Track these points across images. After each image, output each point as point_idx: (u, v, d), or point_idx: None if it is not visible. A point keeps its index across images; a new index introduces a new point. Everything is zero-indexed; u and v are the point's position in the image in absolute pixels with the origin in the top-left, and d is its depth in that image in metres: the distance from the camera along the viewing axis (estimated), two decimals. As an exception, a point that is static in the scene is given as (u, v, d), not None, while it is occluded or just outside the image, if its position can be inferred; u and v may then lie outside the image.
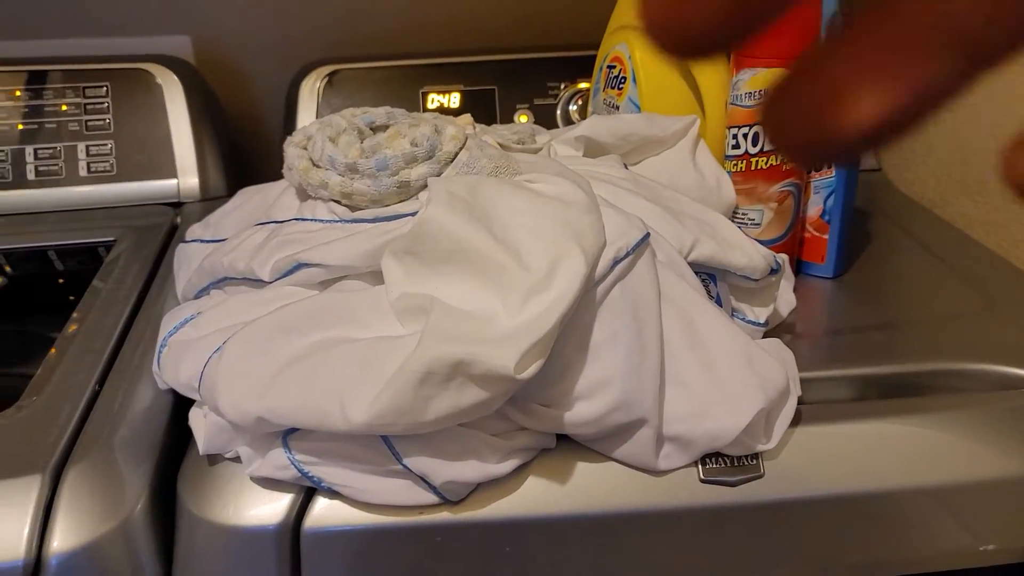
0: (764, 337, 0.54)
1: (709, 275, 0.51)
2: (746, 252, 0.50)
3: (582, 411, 0.42)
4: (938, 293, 0.61)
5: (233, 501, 0.43)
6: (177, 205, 0.79)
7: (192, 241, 0.60)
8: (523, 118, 0.84)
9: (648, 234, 0.46)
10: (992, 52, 0.12)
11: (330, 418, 0.39)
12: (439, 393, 0.38)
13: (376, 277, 0.46)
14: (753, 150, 0.59)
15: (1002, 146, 0.14)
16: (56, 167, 0.78)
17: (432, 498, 0.42)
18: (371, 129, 0.54)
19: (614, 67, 0.69)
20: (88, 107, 0.79)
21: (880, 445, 0.46)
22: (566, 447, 0.45)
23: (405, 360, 0.37)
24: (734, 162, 0.61)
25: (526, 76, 0.85)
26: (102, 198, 0.78)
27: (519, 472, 0.44)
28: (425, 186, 0.49)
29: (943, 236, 0.70)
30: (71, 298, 0.62)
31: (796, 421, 0.46)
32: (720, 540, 0.45)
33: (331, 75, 0.84)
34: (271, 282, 0.48)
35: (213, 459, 0.45)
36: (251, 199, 0.60)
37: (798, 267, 0.65)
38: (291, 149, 0.54)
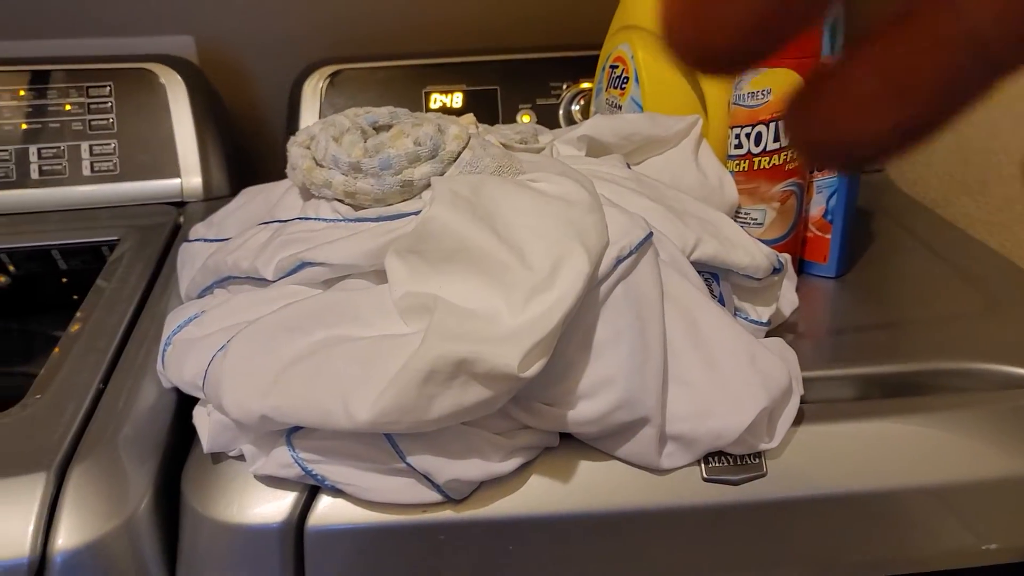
0: (767, 336, 0.54)
1: (712, 274, 0.51)
2: (749, 251, 0.50)
3: (585, 410, 0.43)
4: (940, 293, 0.61)
5: (237, 499, 0.43)
6: (180, 204, 0.79)
7: (195, 240, 0.60)
8: (526, 118, 0.84)
9: (651, 233, 0.46)
10: (1009, 57, 0.12)
11: (334, 416, 0.39)
12: (443, 391, 0.38)
13: (380, 276, 0.46)
14: (756, 150, 0.59)
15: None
16: (60, 167, 0.78)
17: (435, 496, 0.42)
18: (374, 129, 0.54)
19: (617, 67, 0.69)
20: (92, 107, 0.79)
21: (883, 444, 0.46)
22: (569, 446, 0.45)
23: (409, 358, 0.38)
24: (736, 162, 0.61)
25: (529, 76, 0.85)
26: (105, 197, 0.78)
27: (522, 471, 0.44)
28: (428, 185, 0.49)
29: (945, 236, 0.70)
30: (75, 297, 0.62)
31: (799, 420, 0.46)
32: (723, 539, 0.45)
33: (334, 75, 0.84)
34: (275, 281, 0.48)
35: (217, 457, 0.45)
36: (254, 198, 0.60)
37: (800, 267, 0.65)
38: (295, 149, 0.54)
